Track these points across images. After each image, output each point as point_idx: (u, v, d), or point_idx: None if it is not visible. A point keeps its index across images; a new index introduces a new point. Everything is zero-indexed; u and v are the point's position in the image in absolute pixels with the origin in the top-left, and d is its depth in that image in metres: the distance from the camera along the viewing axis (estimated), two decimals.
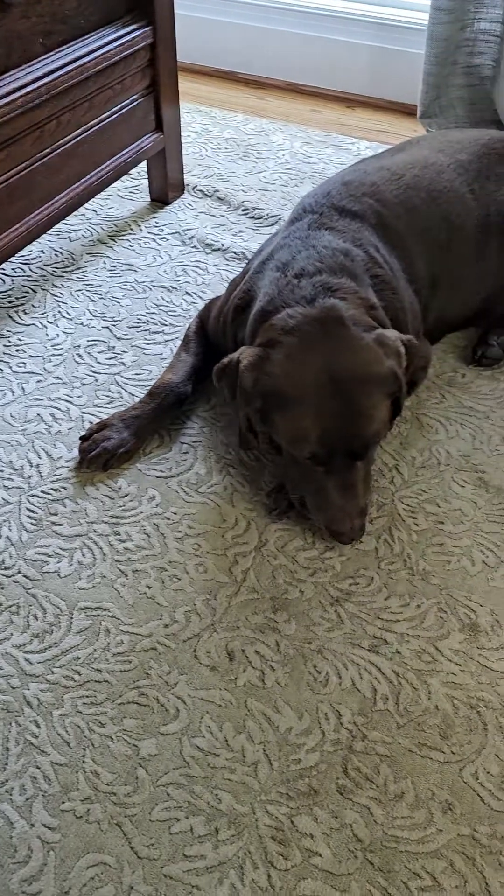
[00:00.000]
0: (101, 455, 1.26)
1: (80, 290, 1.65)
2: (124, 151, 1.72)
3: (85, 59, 1.51)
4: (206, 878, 0.86)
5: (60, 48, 1.49)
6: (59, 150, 1.52)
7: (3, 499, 1.23)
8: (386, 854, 0.87)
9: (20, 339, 1.53)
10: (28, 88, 1.40)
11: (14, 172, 1.43)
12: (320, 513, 1.13)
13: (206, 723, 0.98)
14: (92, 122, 1.60)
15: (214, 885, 0.85)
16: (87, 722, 0.98)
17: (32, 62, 1.44)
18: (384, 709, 0.99)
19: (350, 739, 0.96)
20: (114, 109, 1.65)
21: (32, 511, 1.22)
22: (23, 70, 1.41)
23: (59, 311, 1.60)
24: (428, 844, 0.88)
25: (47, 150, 1.50)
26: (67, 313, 1.59)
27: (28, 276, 1.69)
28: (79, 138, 1.57)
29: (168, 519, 1.21)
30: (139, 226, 1.85)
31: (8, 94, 1.37)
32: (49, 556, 1.16)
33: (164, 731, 0.97)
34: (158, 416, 1.32)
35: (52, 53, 1.47)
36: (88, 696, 1.00)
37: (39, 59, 1.45)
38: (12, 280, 1.67)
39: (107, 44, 1.57)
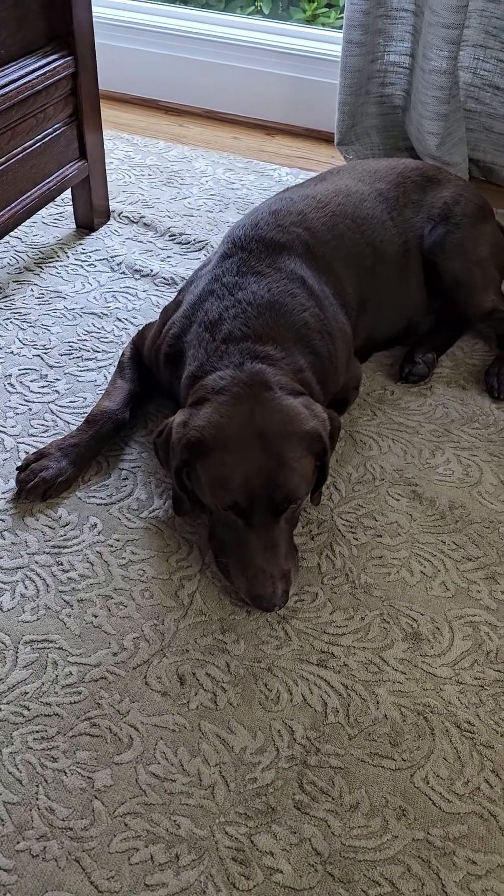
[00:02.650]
0: (39, 485, 1.25)
1: (7, 319, 1.63)
2: (48, 179, 1.72)
3: (7, 89, 1.51)
4: None
5: None
6: None
7: None
8: (345, 865, 0.89)
9: None
10: None
11: None
12: (242, 577, 1.09)
13: (161, 749, 0.98)
14: (15, 151, 1.60)
15: None
16: (38, 757, 0.96)
17: None
18: (335, 721, 1.01)
19: (304, 754, 0.98)
20: (37, 138, 1.65)
21: None
22: None
23: None
24: (385, 851, 0.90)
25: None
26: None
27: None
28: (2, 167, 1.56)
29: (111, 546, 1.21)
30: (66, 253, 1.85)
31: None
32: None
33: (118, 761, 0.96)
34: (97, 444, 1.32)
35: None
36: (39, 730, 0.99)
37: None
38: None
39: (28, 73, 1.57)
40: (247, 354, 1.19)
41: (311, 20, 2.73)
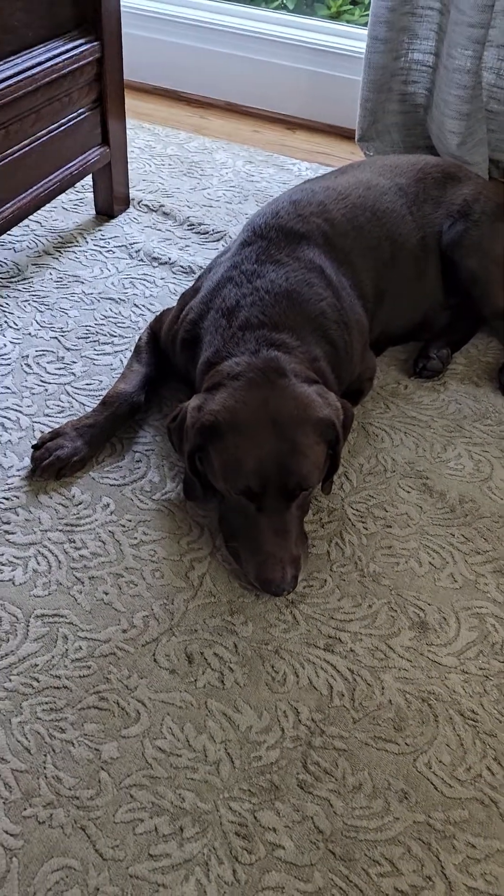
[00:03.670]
0: (54, 463, 1.26)
1: (26, 301, 1.65)
2: (71, 164, 1.73)
3: (33, 71, 1.52)
4: (171, 875, 0.87)
5: (8, 59, 1.50)
6: (6, 161, 1.52)
7: None
8: (346, 843, 0.90)
9: None
10: None
11: None
12: (252, 561, 1.10)
13: (168, 724, 0.99)
14: (39, 134, 1.61)
15: (181, 882, 0.86)
16: (47, 728, 0.98)
17: None
18: (340, 705, 1.03)
19: (309, 735, 0.99)
20: (61, 122, 1.66)
21: None
22: None
23: (6, 321, 1.59)
24: (386, 832, 0.91)
25: None
26: (14, 323, 1.58)
27: None
28: (26, 149, 1.57)
29: (123, 526, 1.22)
30: (85, 238, 1.86)
31: None
32: (3, 565, 1.15)
33: (125, 735, 0.98)
34: (112, 426, 1.33)
35: None
36: (48, 702, 1.00)
37: None
38: None
39: (55, 56, 1.58)
40: (263, 342, 1.20)
41: (336, 16, 2.73)
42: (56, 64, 1.58)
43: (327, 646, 1.09)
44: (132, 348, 1.53)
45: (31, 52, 1.54)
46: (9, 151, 1.53)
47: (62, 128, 1.67)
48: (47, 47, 1.58)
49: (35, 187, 1.63)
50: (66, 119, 1.68)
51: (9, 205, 1.56)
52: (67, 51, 1.61)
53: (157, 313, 1.57)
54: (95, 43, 1.68)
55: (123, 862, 0.87)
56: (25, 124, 1.55)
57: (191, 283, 1.65)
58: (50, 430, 1.34)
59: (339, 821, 0.92)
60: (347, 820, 0.92)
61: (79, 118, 1.71)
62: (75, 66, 1.63)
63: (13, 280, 1.70)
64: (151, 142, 2.30)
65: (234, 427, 1.11)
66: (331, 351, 1.28)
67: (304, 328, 1.25)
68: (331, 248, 1.38)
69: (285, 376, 1.15)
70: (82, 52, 1.64)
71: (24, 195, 1.60)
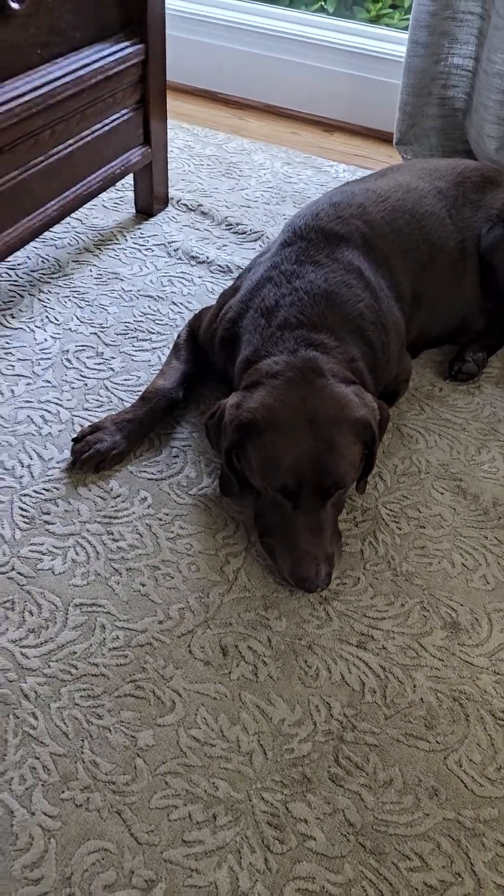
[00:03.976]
0: (93, 457, 1.29)
1: (66, 297, 1.68)
2: (113, 163, 1.76)
3: (81, 72, 1.55)
4: (204, 862, 0.88)
5: (57, 60, 1.53)
6: (51, 159, 1.55)
7: None
8: (377, 837, 0.91)
9: (8, 343, 1.54)
10: (26, 98, 1.43)
11: (8, 179, 1.46)
12: (287, 557, 1.11)
13: (202, 714, 1.01)
14: (84, 133, 1.64)
15: (213, 868, 0.88)
16: (84, 714, 1.00)
17: (30, 72, 1.47)
18: (372, 701, 1.04)
19: (340, 730, 1.01)
20: (105, 122, 1.69)
21: (25, 510, 1.23)
22: (21, 79, 1.45)
23: (47, 317, 1.62)
24: (416, 828, 0.92)
25: (41, 159, 1.53)
26: (55, 318, 1.62)
27: (14, 281, 1.71)
28: (71, 148, 1.60)
29: (160, 520, 1.24)
30: (124, 236, 1.89)
31: (6, 101, 1.40)
32: (43, 554, 1.17)
33: (161, 723, 1.00)
34: (150, 421, 1.35)
35: (48, 64, 1.51)
36: (86, 689, 1.02)
37: (37, 69, 1.48)
38: None
39: (102, 58, 1.61)
40: (301, 341, 1.21)
41: (375, 20, 2.74)
42: (103, 66, 1.61)
43: (360, 643, 1.10)
44: (170, 345, 1.55)
45: (78, 54, 1.57)
46: (55, 150, 1.56)
47: (106, 128, 1.70)
48: (94, 49, 1.61)
49: (79, 185, 1.66)
50: (110, 119, 1.71)
51: (53, 202, 1.59)
52: (113, 53, 1.64)
53: (195, 312, 1.59)
54: (141, 45, 1.70)
55: (158, 847, 0.89)
56: (71, 124, 1.58)
57: (228, 283, 1.67)
58: (89, 423, 1.37)
59: (370, 815, 0.93)
60: (378, 814, 0.93)
61: (122, 119, 1.74)
62: (121, 67, 1.66)
63: (54, 276, 1.73)
64: (190, 142, 2.33)
65: (272, 425, 1.13)
66: (368, 352, 1.29)
67: (343, 329, 1.26)
68: (370, 250, 1.39)
69: (323, 376, 1.17)
70: (128, 54, 1.67)
71: (68, 193, 1.63)
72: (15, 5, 1.35)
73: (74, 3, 1.52)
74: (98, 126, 1.67)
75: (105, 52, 1.62)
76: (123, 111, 1.75)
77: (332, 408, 1.14)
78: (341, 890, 0.87)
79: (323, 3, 2.79)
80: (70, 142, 1.60)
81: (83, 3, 1.55)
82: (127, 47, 1.68)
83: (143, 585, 1.15)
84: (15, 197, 1.48)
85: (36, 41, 1.46)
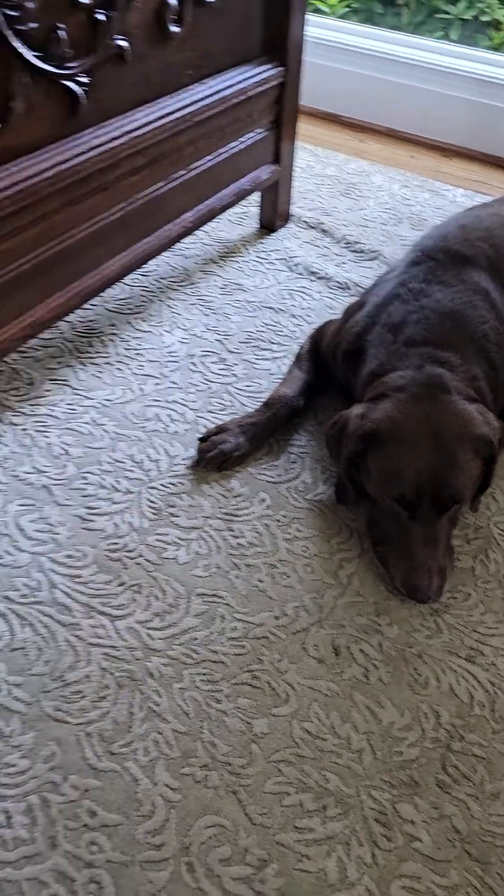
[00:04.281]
0: (217, 456, 1.36)
1: (193, 304, 1.76)
2: (245, 179, 1.84)
3: (225, 92, 1.64)
4: (315, 849, 0.92)
5: (204, 80, 1.62)
6: (192, 173, 1.64)
7: (126, 488, 1.32)
8: (483, 847, 0.93)
9: (139, 344, 1.63)
10: (175, 115, 1.52)
11: (154, 189, 1.55)
12: (400, 566, 1.16)
13: (315, 709, 1.05)
14: (222, 150, 1.72)
15: (323, 856, 0.92)
16: (204, 697, 1.06)
17: (180, 92, 1.56)
18: (480, 714, 1.06)
19: (448, 739, 1.03)
20: (241, 140, 1.78)
21: (152, 502, 1.31)
22: (172, 97, 1.54)
23: (175, 322, 1.70)
24: None
25: (182, 172, 1.62)
26: (183, 324, 1.70)
27: (146, 287, 1.80)
28: (210, 164, 1.69)
29: (278, 521, 1.30)
30: (248, 249, 1.97)
31: (158, 119, 1.49)
32: (168, 544, 1.24)
33: (275, 713, 1.04)
34: (272, 426, 1.41)
35: (197, 85, 1.60)
36: (205, 673, 1.08)
37: (186, 88, 1.58)
38: (131, 289, 1.79)
39: (245, 79, 1.69)
40: (427, 358, 1.25)
41: (498, 47, 2.76)
42: (244, 87, 1.69)
43: (469, 656, 1.12)
44: (290, 356, 1.61)
45: (224, 75, 1.66)
46: (195, 165, 1.64)
47: (242, 146, 1.78)
48: (238, 71, 1.70)
49: (213, 198, 1.74)
50: (246, 138, 1.79)
51: (190, 213, 1.68)
52: (256, 75, 1.72)
53: (314, 325, 1.65)
54: (281, 68, 1.78)
55: (271, 829, 0.94)
56: (212, 141, 1.67)
57: (346, 299, 1.72)
58: (214, 425, 1.44)
59: (476, 824, 0.95)
60: (484, 825, 0.95)
61: (257, 137, 1.82)
62: (261, 89, 1.74)
63: (182, 284, 1.82)
64: (312, 162, 2.39)
65: (395, 436, 1.16)
66: (490, 372, 1.32)
67: (467, 348, 1.29)
68: (495, 273, 1.42)
69: (448, 392, 1.20)
70: (269, 76, 1.75)
71: (203, 205, 1.71)
72: (175, 29, 1.45)
73: (225, 28, 1.61)
74: (235, 144, 1.76)
75: (248, 75, 1.71)
76: (258, 130, 1.83)
77: (455, 424, 1.17)
78: (446, 893, 0.90)
79: (446, 31, 2.83)
80: (209, 157, 1.69)
81: (233, 28, 1.63)
82: (268, 70, 1.76)
83: (261, 582, 1.20)
84: (158, 207, 1.58)
85: (189, 63, 1.56)
